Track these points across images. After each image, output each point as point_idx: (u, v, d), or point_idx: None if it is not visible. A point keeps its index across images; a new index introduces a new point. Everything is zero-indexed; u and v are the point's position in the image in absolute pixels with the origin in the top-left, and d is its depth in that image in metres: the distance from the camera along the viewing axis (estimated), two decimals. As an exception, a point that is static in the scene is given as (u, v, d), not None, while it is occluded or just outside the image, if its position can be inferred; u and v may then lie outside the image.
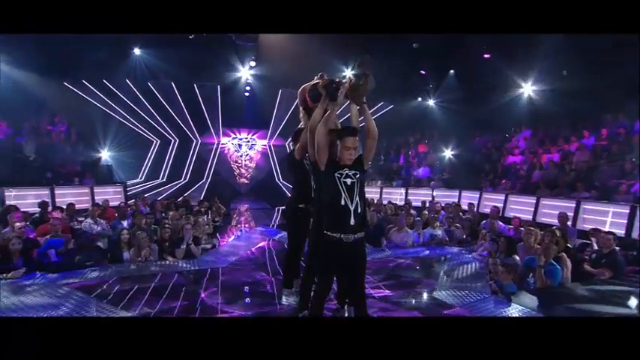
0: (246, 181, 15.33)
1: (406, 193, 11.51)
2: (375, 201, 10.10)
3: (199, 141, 14.37)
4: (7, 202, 7.40)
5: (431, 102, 14.49)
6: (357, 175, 2.72)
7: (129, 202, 8.36)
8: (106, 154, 11.91)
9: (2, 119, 9.49)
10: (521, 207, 8.62)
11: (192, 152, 14.32)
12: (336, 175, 2.71)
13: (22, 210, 6.83)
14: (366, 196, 11.30)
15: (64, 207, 6.96)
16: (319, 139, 2.70)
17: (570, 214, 7.07)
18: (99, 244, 5.98)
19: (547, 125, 11.52)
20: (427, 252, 6.33)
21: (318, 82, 3.08)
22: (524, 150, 11.23)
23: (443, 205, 8.84)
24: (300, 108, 3.39)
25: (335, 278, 3.10)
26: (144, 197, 9.01)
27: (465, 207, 9.02)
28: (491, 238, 5.90)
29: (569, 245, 5.29)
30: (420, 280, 4.80)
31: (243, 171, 15.29)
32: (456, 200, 10.23)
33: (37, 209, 6.88)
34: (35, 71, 9.57)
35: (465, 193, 10.40)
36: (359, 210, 2.68)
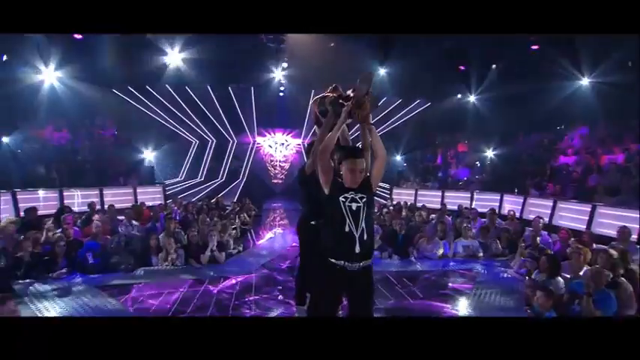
0: (281, 181, 15.50)
1: (442, 196, 10.88)
2: (409, 204, 9.66)
3: (235, 141, 14.74)
4: (66, 201, 8.08)
5: (471, 98, 13.60)
6: (364, 199, 2.51)
7: (162, 204, 8.72)
8: (149, 155, 12.61)
9: (64, 126, 10.38)
10: (572, 215, 7.72)
11: (229, 152, 14.75)
12: (341, 199, 2.51)
13: (74, 210, 7.50)
14: (401, 197, 10.88)
15: (106, 209, 7.39)
16: (320, 161, 2.55)
17: (635, 226, 5.92)
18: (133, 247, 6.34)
19: (609, 122, 10.22)
20: (456, 265, 5.92)
21: (327, 96, 2.92)
22: (579, 149, 10.12)
23: (478, 211, 8.25)
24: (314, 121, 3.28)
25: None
26: (177, 199, 9.37)
27: (506, 213, 8.32)
28: (530, 254, 5.33)
29: (632, 267, 4.31)
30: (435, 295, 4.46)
31: (277, 171, 15.47)
32: (497, 205, 9.50)
33: (87, 209, 7.45)
34: (86, 80, 10.32)
35: (507, 197, 9.47)
36: (365, 237, 2.47)
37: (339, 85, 3.02)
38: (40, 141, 9.44)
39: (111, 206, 7.42)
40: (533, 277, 4.70)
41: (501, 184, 10.45)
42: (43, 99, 9.54)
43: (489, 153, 12.49)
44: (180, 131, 13.61)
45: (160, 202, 9.99)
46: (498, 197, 9.68)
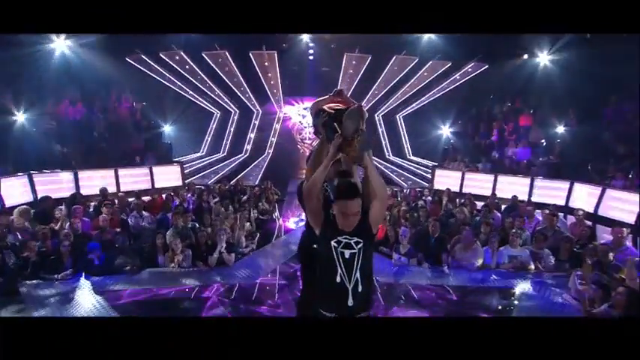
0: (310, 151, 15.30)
1: (494, 182, 10.13)
2: (451, 194, 9.12)
3: (260, 112, 14.62)
4: (81, 183, 8.59)
5: (543, 58, 12.12)
6: (360, 245, 2.36)
7: (177, 189, 8.96)
8: (167, 129, 12.91)
9: (79, 100, 10.80)
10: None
11: (253, 124, 14.72)
12: (333, 243, 2.36)
13: (87, 195, 7.94)
14: (445, 180, 10.26)
15: (116, 200, 7.68)
16: (307, 202, 2.43)
17: None
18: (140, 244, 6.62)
19: None
20: (496, 280, 5.51)
21: (322, 110, 2.76)
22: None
23: (536, 206, 7.57)
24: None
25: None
26: (192, 184, 9.58)
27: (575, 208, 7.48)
28: (596, 278, 4.56)
29: None
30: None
31: (306, 145, 15.28)
32: (565, 196, 8.66)
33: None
34: (99, 49, 10.51)
35: (579, 186, 8.47)
36: (359, 288, 2.33)
37: (344, 89, 2.94)
38: (55, 118, 9.93)
39: (122, 197, 7.72)
40: (597, 310, 4.17)
41: (573, 169, 9.36)
42: (55, 71, 9.91)
43: (560, 128, 11.20)
44: (200, 102, 13.71)
45: (177, 184, 10.38)
46: (567, 187, 8.74)
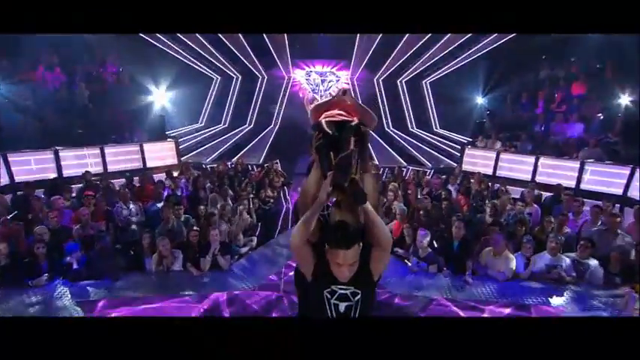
0: (324, 126, 14.92)
1: (535, 167, 9.62)
2: (480, 181, 8.71)
3: (265, 77, 14.17)
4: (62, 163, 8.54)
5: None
6: (358, 297, 2.25)
7: (169, 173, 8.82)
8: (161, 97, 12.61)
9: (56, 65, 10.54)
10: None
11: (258, 91, 14.32)
12: (326, 293, 2.24)
13: (69, 179, 7.88)
14: (476, 161, 9.86)
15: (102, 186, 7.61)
16: (295, 249, 2.32)
17: None
18: (134, 233, 6.56)
19: None
20: (528, 294, 5.21)
21: (318, 126, 2.65)
22: None
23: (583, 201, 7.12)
24: None
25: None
26: (189, 167, 9.42)
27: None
28: None
29: None
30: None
31: (319, 114, 14.84)
32: (624, 184, 8.11)
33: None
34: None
35: None
36: None
37: (349, 89, 2.99)
38: (30, 86, 9.70)
39: (108, 184, 7.62)
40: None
41: (637, 151, 8.55)
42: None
43: (624, 99, 10.28)
44: (198, 66, 13.31)
45: (172, 162, 10.25)
46: (627, 173, 8.15)
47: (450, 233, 6.07)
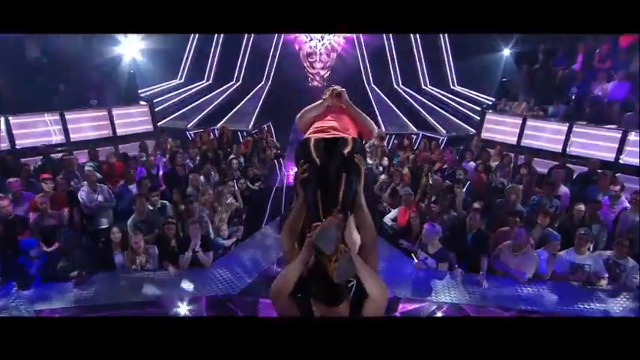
0: (323, 82, 14.54)
1: (568, 134, 9.32)
2: (502, 156, 8.50)
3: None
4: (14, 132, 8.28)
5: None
6: None
7: (143, 146, 8.60)
8: (132, 47, 12.07)
9: None
10: None
11: (247, 40, 13.83)
12: None
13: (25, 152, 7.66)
14: (497, 128, 9.56)
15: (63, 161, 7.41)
16: (276, 303, 2.37)
17: None
18: (103, 221, 6.49)
19: None
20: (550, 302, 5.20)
21: (304, 149, 2.68)
22: None
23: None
24: None
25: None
26: (167, 139, 9.18)
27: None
28: None
29: None
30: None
31: (318, 69, 14.41)
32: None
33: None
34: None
35: None
36: None
37: (344, 91, 2.98)
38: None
39: (68, 160, 7.43)
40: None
41: None
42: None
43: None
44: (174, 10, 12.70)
45: (146, 129, 10.02)
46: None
47: (464, 225, 5.99)
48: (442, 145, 10.65)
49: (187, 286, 5.33)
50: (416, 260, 5.88)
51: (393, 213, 6.93)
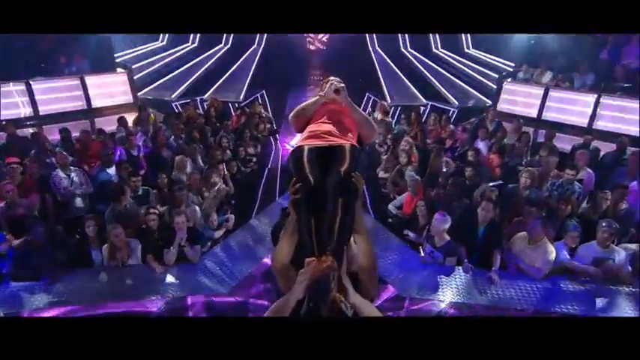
0: (322, 46, 14.27)
1: (596, 108, 9.08)
2: (520, 133, 8.40)
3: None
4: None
5: None
6: None
7: (122, 120, 8.42)
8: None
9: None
10: None
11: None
12: None
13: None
14: (517, 100, 9.42)
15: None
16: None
17: None
18: (78, 209, 6.42)
19: None
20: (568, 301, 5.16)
21: (297, 160, 2.64)
22: None
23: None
24: None
25: None
26: (148, 112, 8.98)
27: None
28: None
29: None
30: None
31: (318, 38, 14.11)
32: None
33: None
34: None
35: None
36: None
37: (343, 87, 2.91)
38: None
39: (37, 134, 7.28)
40: None
41: None
42: None
43: None
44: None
45: (124, 100, 9.83)
46: None
47: (475, 215, 5.91)
48: (453, 119, 10.50)
49: (173, 284, 5.31)
50: (422, 254, 5.86)
51: (398, 200, 6.89)
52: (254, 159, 8.14)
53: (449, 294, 5.26)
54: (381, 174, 7.82)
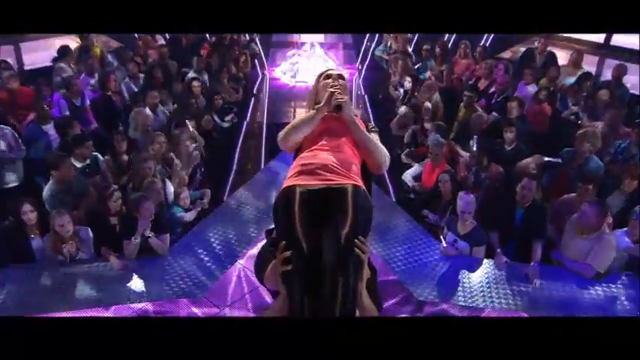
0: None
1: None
2: (575, 68, 8.11)
3: None
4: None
5: None
6: None
7: (59, 69, 7.95)
8: None
9: None
10: None
11: None
12: None
13: None
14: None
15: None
16: None
17: None
18: (9, 179, 6.29)
19: None
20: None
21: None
22: None
23: None
24: None
25: None
26: (85, 37, 8.50)
27: None
28: None
29: None
30: None
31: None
32: None
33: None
34: None
35: None
36: None
37: (346, 100, 2.80)
38: None
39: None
40: None
41: None
42: None
43: None
44: None
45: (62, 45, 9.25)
46: None
47: (512, 200, 5.77)
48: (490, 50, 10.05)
49: (136, 284, 5.29)
50: (443, 244, 5.74)
51: (416, 168, 6.74)
52: (234, 109, 7.81)
53: (477, 296, 5.22)
54: (396, 130, 7.56)
